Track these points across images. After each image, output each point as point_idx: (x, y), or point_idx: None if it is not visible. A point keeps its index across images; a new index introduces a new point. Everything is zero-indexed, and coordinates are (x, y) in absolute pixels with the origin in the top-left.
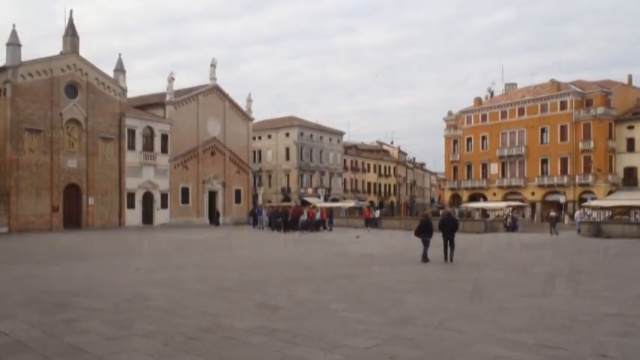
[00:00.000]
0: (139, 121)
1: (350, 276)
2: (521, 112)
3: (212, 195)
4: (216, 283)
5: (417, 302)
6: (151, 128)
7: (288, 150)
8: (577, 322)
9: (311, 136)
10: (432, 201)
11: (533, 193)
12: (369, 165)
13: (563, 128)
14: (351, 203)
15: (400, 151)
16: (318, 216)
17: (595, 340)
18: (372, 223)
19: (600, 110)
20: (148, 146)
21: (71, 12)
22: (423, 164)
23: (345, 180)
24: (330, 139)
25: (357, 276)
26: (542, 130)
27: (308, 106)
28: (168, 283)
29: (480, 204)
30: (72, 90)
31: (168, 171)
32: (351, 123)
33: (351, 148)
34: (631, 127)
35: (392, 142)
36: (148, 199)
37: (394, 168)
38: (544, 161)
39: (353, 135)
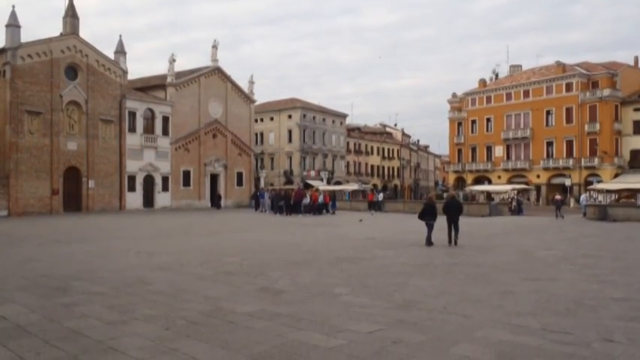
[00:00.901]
0: (139, 103)
1: (353, 260)
2: (526, 94)
3: (214, 178)
4: (219, 267)
5: (421, 286)
6: (151, 110)
7: (290, 132)
8: (583, 307)
9: (314, 118)
10: (437, 184)
11: (538, 176)
12: (372, 147)
13: (568, 110)
14: (354, 186)
15: (404, 134)
16: (320, 199)
17: (601, 324)
18: (375, 206)
19: (606, 92)
20: (149, 128)
21: None
22: (427, 147)
23: (348, 163)
24: (333, 122)
25: (361, 260)
26: (548, 113)
27: (311, 88)
28: (169, 266)
29: (485, 187)
30: (72, 72)
31: (169, 153)
32: (355, 105)
33: (354, 131)
34: (637, 110)
35: (395, 125)
36: (148, 182)
37: (398, 150)
38: (549, 144)
39: (356, 117)
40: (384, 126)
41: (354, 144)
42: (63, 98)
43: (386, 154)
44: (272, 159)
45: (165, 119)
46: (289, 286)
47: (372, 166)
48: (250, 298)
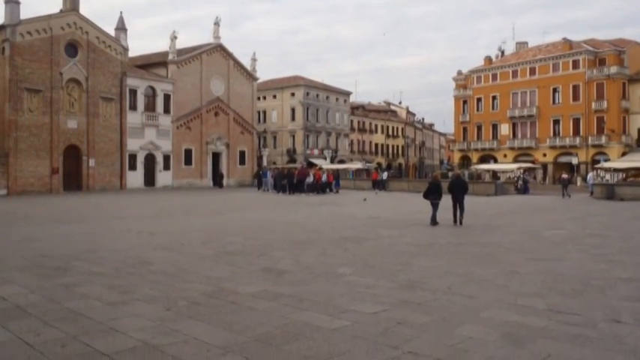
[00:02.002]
0: (140, 81)
1: (357, 240)
2: (532, 71)
3: (215, 157)
4: (220, 247)
5: (426, 266)
6: (152, 88)
7: (293, 110)
8: (590, 287)
9: (317, 96)
10: (442, 162)
11: (544, 155)
12: (376, 126)
13: (575, 88)
14: (358, 165)
15: (408, 112)
16: (324, 178)
17: (608, 305)
18: (379, 185)
19: (613, 69)
20: (150, 107)
21: None
22: (432, 125)
23: (351, 141)
24: (336, 99)
25: (365, 240)
26: (554, 90)
27: (314, 65)
28: (170, 246)
29: (491, 165)
30: (72, 49)
31: (170, 132)
32: (358, 83)
33: (358, 109)
34: None
35: (400, 103)
36: (150, 160)
37: (402, 129)
38: (556, 122)
39: (360, 95)
40: (389, 104)
41: (358, 122)
42: (63, 76)
43: (390, 133)
44: (275, 137)
45: (167, 97)
46: (292, 266)
47: (376, 145)
48: (252, 278)
